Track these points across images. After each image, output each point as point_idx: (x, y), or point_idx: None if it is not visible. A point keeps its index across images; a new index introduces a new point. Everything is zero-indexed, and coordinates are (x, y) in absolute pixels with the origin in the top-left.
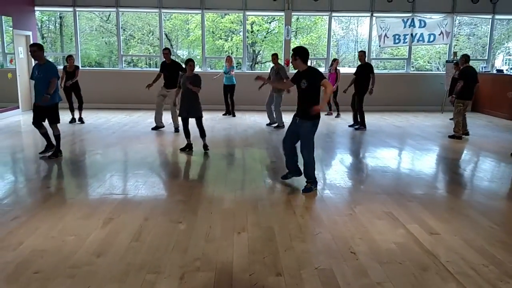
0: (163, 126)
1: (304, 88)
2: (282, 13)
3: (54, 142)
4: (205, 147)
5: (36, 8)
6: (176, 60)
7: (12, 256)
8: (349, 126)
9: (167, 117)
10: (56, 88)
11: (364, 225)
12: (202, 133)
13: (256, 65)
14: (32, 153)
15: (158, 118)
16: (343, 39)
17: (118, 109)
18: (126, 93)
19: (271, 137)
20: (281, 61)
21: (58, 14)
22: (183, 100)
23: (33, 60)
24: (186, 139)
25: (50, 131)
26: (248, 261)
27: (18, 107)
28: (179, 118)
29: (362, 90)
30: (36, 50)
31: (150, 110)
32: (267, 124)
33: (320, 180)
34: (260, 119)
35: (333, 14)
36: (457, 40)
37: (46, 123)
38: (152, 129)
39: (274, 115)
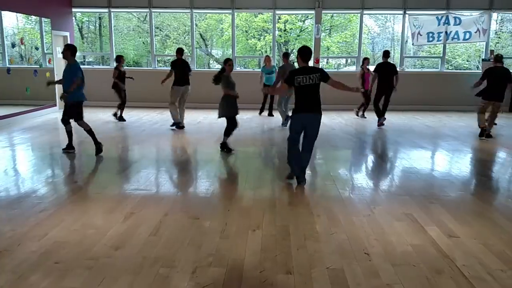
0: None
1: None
2: (313, 11)
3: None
4: (224, 146)
5: (73, 10)
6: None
7: (37, 246)
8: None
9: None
10: (80, 87)
11: (382, 226)
12: (228, 132)
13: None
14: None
15: (176, 115)
16: (378, 36)
17: (150, 107)
18: (158, 92)
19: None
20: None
21: (98, 15)
22: (226, 99)
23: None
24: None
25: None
26: (259, 258)
27: (55, 105)
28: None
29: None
30: (65, 50)
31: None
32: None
33: (341, 180)
34: None
35: (365, 11)
36: (499, 37)
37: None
38: (172, 126)
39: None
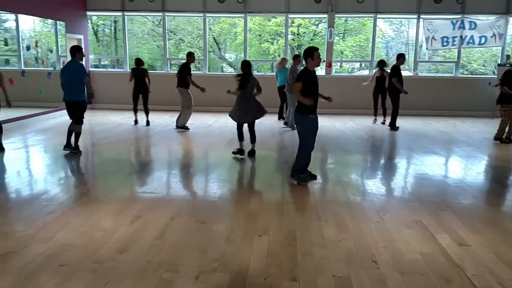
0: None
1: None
2: (326, 15)
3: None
4: (252, 153)
5: (88, 13)
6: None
7: (43, 249)
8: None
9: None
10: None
11: (391, 234)
12: (253, 139)
13: (302, 68)
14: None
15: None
16: (393, 40)
17: (162, 111)
18: (170, 95)
19: None
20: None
21: (113, 18)
22: (241, 103)
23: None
24: (239, 143)
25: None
26: (265, 264)
27: None
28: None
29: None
30: (78, 51)
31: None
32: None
33: (351, 186)
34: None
35: (378, 15)
36: None
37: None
38: (182, 129)
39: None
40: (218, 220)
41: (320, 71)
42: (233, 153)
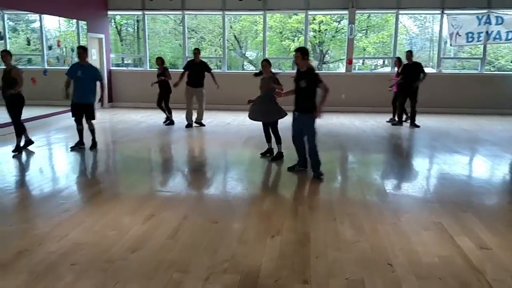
0: (192, 125)
1: (302, 87)
2: (346, 11)
3: (91, 137)
4: (280, 155)
5: (109, 12)
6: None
7: (56, 247)
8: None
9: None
10: (95, 91)
11: (408, 236)
12: (277, 139)
13: (324, 65)
14: (99, 150)
15: (189, 117)
16: (417, 37)
17: (181, 109)
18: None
19: (327, 140)
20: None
21: (136, 17)
22: (260, 103)
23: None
24: (267, 143)
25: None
26: (276, 266)
27: None
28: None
29: (407, 89)
30: (82, 52)
31: (209, 110)
32: None
33: (369, 185)
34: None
35: (400, 11)
36: None
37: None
38: (186, 127)
39: None
40: (231, 220)
41: (342, 68)
42: (262, 154)
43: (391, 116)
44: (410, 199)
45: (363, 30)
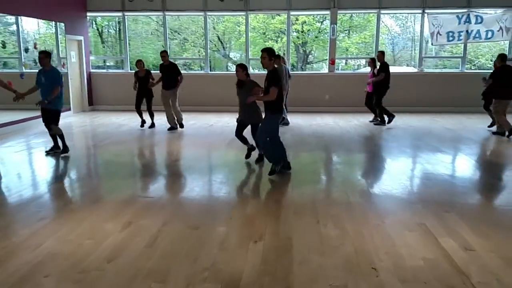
0: (177, 128)
1: (266, 87)
2: (328, 12)
3: (60, 143)
4: (261, 158)
5: (88, 14)
6: (174, 62)
7: (29, 257)
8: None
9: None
10: (60, 95)
11: (392, 238)
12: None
13: (307, 65)
14: (75, 155)
15: (170, 120)
16: (399, 36)
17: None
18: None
19: (311, 141)
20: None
21: (117, 19)
22: (241, 106)
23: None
24: (245, 145)
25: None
26: (258, 273)
27: (69, 109)
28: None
29: (380, 89)
30: (43, 57)
31: (193, 112)
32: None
33: (353, 186)
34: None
35: (382, 11)
36: None
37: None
38: (168, 129)
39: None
40: (212, 225)
41: (325, 68)
42: (246, 157)
43: (373, 115)
44: (393, 199)
45: (346, 30)
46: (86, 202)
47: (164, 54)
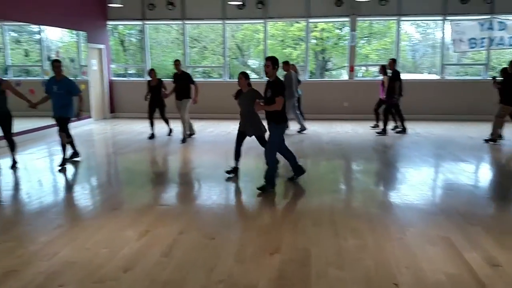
0: (191, 134)
1: (268, 97)
2: (347, 19)
3: (65, 153)
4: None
5: (109, 23)
6: (186, 71)
7: (45, 266)
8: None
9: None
10: (71, 103)
11: (414, 252)
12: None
13: (326, 73)
14: (93, 161)
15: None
16: (419, 43)
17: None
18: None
19: (329, 149)
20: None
21: (139, 27)
22: (242, 118)
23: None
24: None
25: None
26: (275, 286)
27: (90, 117)
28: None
29: (392, 97)
30: (59, 65)
31: (211, 120)
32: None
33: (373, 197)
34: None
35: (402, 18)
36: None
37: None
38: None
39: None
40: (228, 236)
41: (344, 75)
42: (227, 172)
43: (394, 123)
44: (415, 211)
45: (366, 37)
46: (104, 210)
47: (177, 63)
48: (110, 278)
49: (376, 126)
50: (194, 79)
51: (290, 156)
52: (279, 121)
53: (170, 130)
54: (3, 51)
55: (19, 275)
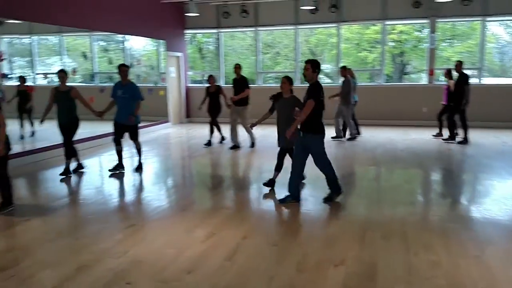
0: (240, 147)
1: (304, 102)
2: (426, 20)
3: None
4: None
5: (186, 31)
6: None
7: (115, 264)
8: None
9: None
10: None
11: (493, 272)
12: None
13: (405, 76)
14: (170, 164)
15: (233, 136)
16: (508, 45)
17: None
18: (260, 108)
19: (405, 157)
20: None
21: (216, 35)
22: (278, 125)
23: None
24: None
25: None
26: None
27: (168, 121)
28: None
29: (456, 103)
30: (126, 70)
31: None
32: (332, 137)
33: (449, 210)
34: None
35: (487, 18)
36: None
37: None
38: (230, 148)
39: (340, 128)
40: (290, 243)
41: (423, 79)
42: (264, 184)
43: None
44: (497, 227)
45: (448, 39)
46: (173, 211)
47: (237, 66)
48: (174, 279)
49: (439, 135)
50: (264, 84)
51: (329, 172)
52: (316, 131)
53: (223, 138)
54: (91, 59)
55: (90, 271)
